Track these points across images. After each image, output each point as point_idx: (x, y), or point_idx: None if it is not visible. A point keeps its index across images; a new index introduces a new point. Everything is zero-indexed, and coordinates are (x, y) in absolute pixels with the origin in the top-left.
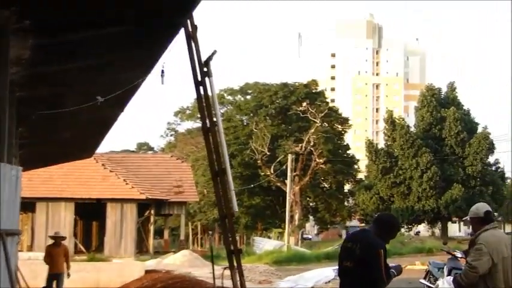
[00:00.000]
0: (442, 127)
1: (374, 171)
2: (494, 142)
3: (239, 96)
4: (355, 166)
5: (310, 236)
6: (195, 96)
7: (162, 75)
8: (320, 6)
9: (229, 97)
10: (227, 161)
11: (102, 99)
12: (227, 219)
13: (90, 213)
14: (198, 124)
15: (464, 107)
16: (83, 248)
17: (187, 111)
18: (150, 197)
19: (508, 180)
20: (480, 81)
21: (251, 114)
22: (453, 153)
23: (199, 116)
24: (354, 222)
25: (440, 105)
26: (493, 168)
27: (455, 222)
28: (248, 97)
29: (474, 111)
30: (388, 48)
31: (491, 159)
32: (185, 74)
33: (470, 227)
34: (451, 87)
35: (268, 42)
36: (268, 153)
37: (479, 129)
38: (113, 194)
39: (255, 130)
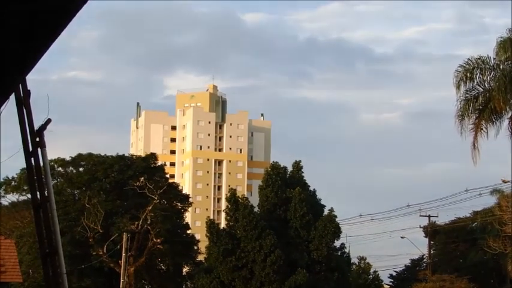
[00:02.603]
0: (287, 208)
1: (215, 254)
2: (340, 225)
3: (71, 168)
4: (195, 247)
5: None
6: (21, 166)
7: None
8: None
9: (60, 168)
10: (59, 240)
11: None
12: None
13: None
14: (24, 197)
15: (310, 188)
16: None
17: (13, 183)
18: None
19: (354, 266)
20: (327, 160)
21: (83, 188)
22: (298, 236)
23: (25, 188)
24: None
25: (286, 185)
26: (339, 253)
27: None
28: (81, 169)
29: (320, 193)
30: (232, 122)
31: (337, 243)
32: (13, 142)
33: None
34: (297, 167)
35: (104, 111)
36: (101, 231)
37: (325, 212)
38: None
39: (87, 205)
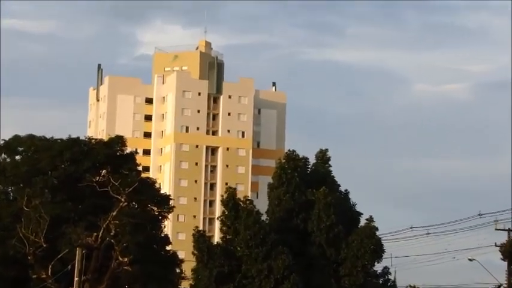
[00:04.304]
0: (307, 216)
1: (205, 279)
2: (382, 241)
3: (3, 155)
4: (177, 270)
5: None
6: None
7: None
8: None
9: None
10: None
11: None
12: None
13: None
14: None
15: (340, 188)
16: None
17: None
18: None
19: None
20: (365, 149)
21: (21, 184)
22: (323, 255)
23: None
24: None
25: (306, 183)
26: (381, 280)
27: None
28: (17, 157)
29: (355, 194)
30: (231, 94)
31: (378, 266)
32: None
33: None
34: (322, 158)
35: (52, 76)
36: (45, 245)
37: (362, 222)
38: None
39: (26, 209)
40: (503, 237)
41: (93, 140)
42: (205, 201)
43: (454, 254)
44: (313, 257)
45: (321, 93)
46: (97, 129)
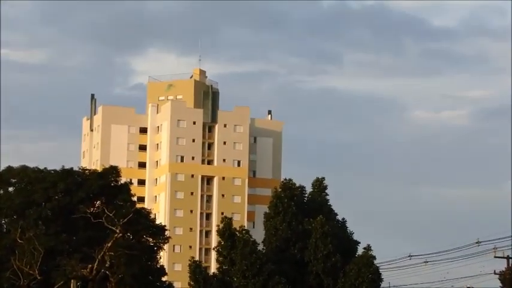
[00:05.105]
0: (304, 245)
1: None
2: (380, 270)
3: None
4: None
5: None
6: None
7: None
8: (123, 56)
9: None
10: None
11: None
12: None
13: None
14: None
15: (337, 216)
16: None
17: None
18: None
19: None
20: (361, 177)
21: (14, 216)
22: (320, 285)
23: None
24: None
25: (303, 212)
26: None
27: None
28: (10, 189)
29: (352, 223)
30: (227, 123)
31: None
32: None
33: None
34: (319, 186)
35: (44, 107)
36: (39, 277)
37: (360, 251)
38: None
39: (19, 241)
40: (502, 265)
41: (86, 171)
42: (201, 231)
43: (453, 282)
44: (310, 286)
45: (318, 121)
46: (91, 160)
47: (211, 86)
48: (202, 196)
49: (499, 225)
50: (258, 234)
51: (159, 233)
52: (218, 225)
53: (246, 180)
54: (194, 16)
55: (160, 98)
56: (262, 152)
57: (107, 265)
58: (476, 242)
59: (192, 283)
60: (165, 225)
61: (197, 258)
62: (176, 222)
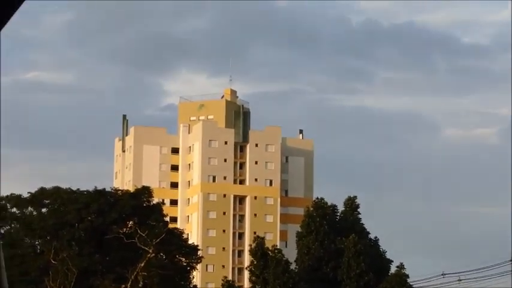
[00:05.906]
0: (337, 264)
1: None
2: None
3: (30, 208)
4: None
5: None
6: None
7: None
8: (154, 77)
9: (15, 209)
10: None
11: None
12: None
13: None
14: None
15: (370, 235)
16: None
17: None
18: None
19: None
20: (393, 196)
21: (48, 237)
22: None
23: None
24: None
25: (335, 231)
26: None
27: None
28: (44, 210)
29: (384, 242)
30: (258, 143)
31: None
32: None
33: None
34: (351, 205)
35: (76, 128)
36: None
37: (392, 269)
38: None
39: (53, 262)
40: None
41: (119, 191)
42: (233, 251)
43: None
44: None
45: (350, 139)
46: (123, 180)
47: (242, 105)
48: (234, 216)
49: None
50: (291, 254)
51: (192, 252)
52: (251, 245)
53: (278, 200)
54: (223, 36)
55: (192, 118)
56: (294, 171)
57: (140, 285)
58: (510, 260)
59: None
60: (197, 245)
61: (230, 277)
62: (209, 242)
